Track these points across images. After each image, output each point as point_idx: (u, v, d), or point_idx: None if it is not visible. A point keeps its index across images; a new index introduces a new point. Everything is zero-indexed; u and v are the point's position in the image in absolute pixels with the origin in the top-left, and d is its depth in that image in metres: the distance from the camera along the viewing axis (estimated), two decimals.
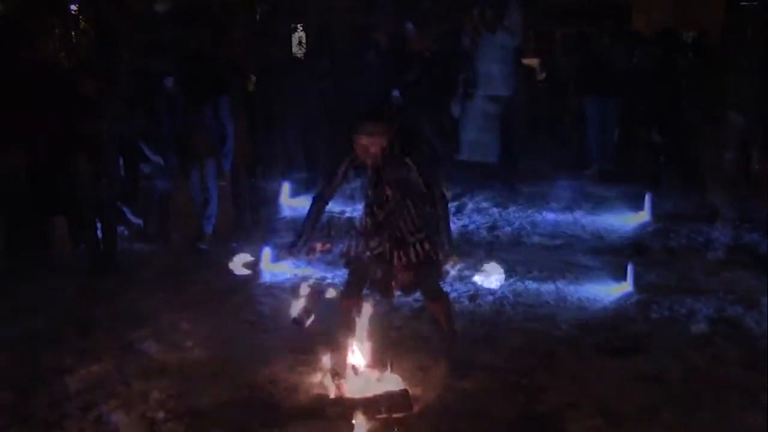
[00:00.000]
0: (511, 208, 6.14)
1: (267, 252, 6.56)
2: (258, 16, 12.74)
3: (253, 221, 7.79)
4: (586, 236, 5.57)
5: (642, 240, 5.40)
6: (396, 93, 7.08)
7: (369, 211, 4.20)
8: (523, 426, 3.91)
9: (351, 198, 6.39)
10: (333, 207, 6.29)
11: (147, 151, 7.33)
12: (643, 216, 5.77)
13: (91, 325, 5.20)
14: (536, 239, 5.50)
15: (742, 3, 13.70)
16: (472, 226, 5.65)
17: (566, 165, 7.26)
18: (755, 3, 11.90)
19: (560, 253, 5.17)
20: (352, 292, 4.35)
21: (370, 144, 3.99)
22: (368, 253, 4.20)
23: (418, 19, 13.17)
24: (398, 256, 4.16)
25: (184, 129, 6.81)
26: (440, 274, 4.51)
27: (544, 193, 6.52)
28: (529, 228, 5.72)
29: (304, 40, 15.56)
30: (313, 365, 4.45)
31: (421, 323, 5.02)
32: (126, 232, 7.25)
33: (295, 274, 6.29)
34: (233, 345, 4.87)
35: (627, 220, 5.80)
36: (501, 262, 4.87)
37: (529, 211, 6.09)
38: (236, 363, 4.59)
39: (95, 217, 6.36)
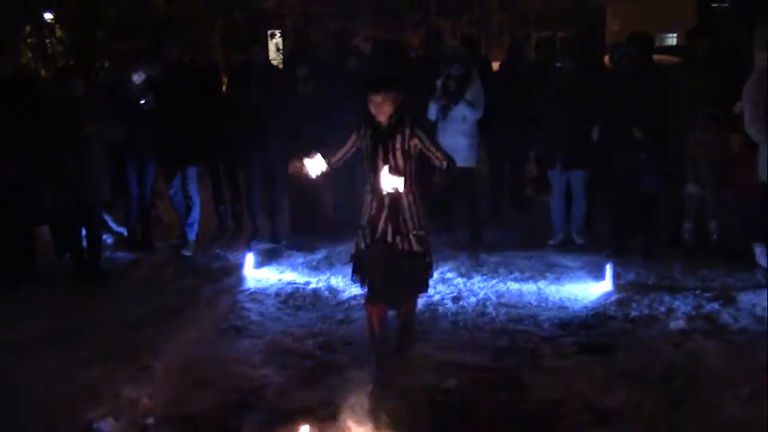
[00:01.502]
0: (476, 278, 6.19)
1: (250, 257, 6.60)
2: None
3: (236, 227, 7.83)
4: (550, 306, 5.63)
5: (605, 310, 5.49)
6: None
7: (376, 189, 4.52)
8: (509, 425, 3.98)
9: (316, 268, 6.50)
10: (298, 278, 6.33)
11: (111, 223, 7.38)
12: (607, 286, 5.87)
13: (76, 334, 5.21)
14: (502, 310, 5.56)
15: (713, 5, 13.96)
16: (436, 297, 5.71)
17: (530, 235, 7.33)
18: (726, 5, 12.12)
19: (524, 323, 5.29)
20: (376, 299, 4.68)
21: (384, 101, 4.48)
22: (370, 240, 4.58)
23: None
24: (400, 241, 4.54)
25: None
26: (422, 280, 4.76)
27: (508, 263, 6.58)
28: (494, 298, 5.77)
29: (281, 46, 15.62)
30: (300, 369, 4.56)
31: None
32: (109, 241, 7.25)
33: (279, 280, 6.34)
34: (220, 351, 4.90)
35: (590, 290, 5.89)
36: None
37: (494, 281, 6.13)
38: (224, 369, 4.63)
39: (80, 226, 6.36)
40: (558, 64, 6.86)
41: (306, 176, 4.72)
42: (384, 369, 4.55)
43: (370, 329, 4.77)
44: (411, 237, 4.58)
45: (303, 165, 4.66)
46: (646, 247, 6.63)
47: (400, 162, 4.52)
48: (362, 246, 4.66)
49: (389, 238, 4.56)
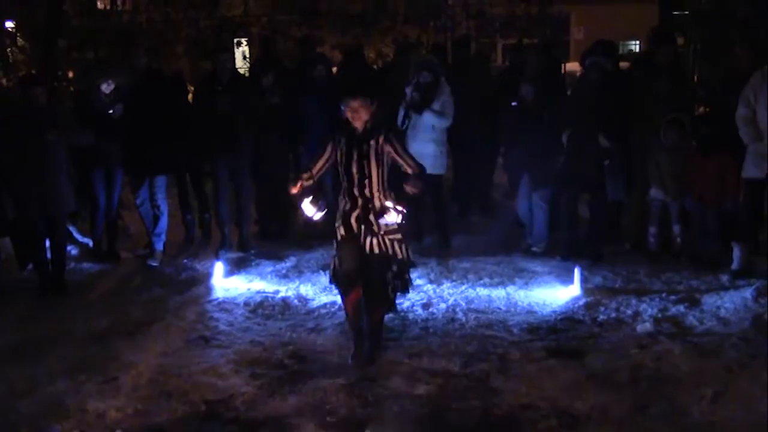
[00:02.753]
0: (445, 284, 6.20)
1: (219, 266, 6.55)
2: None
3: (203, 236, 7.77)
4: (519, 311, 5.66)
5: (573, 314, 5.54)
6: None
7: (349, 193, 4.68)
8: (480, 430, 4.00)
9: (285, 276, 6.49)
10: (267, 287, 6.30)
11: (75, 234, 7.29)
12: (574, 290, 5.93)
13: (41, 347, 5.13)
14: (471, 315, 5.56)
15: (675, 13, 14.18)
16: (406, 304, 5.70)
17: (498, 240, 7.35)
18: (686, 13, 12.34)
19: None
20: (350, 286, 4.75)
21: (361, 107, 4.58)
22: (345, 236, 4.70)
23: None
24: (370, 242, 4.65)
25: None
26: (395, 282, 4.84)
27: (477, 268, 6.61)
28: (463, 304, 5.78)
29: (247, 55, 15.54)
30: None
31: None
32: (74, 252, 7.14)
33: (248, 289, 6.29)
34: (189, 362, 4.85)
35: (558, 295, 5.94)
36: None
37: (463, 287, 6.15)
38: (193, 379, 4.58)
39: (44, 237, 6.26)
40: (514, 103, 6.92)
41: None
42: (362, 355, 4.72)
43: (347, 318, 4.91)
44: (381, 238, 4.66)
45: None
46: (597, 251, 6.70)
47: (374, 168, 4.63)
48: (338, 238, 4.76)
49: (362, 239, 4.66)
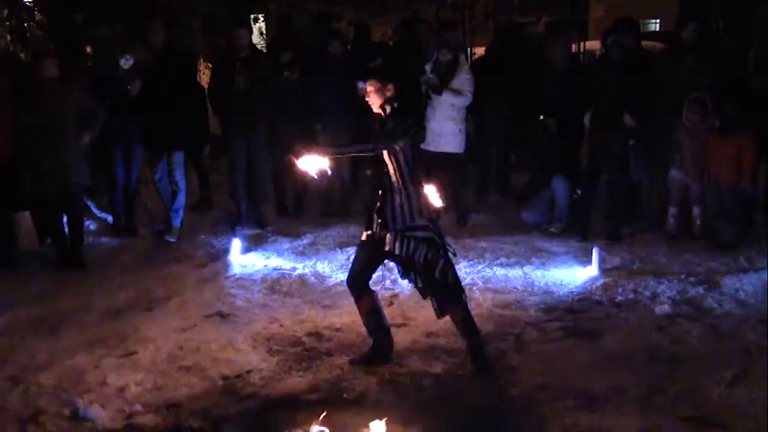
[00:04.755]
0: (462, 263, 6.13)
1: (237, 242, 6.57)
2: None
3: (220, 211, 7.79)
4: (536, 291, 5.61)
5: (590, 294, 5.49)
6: (361, 84, 7.06)
7: (374, 184, 4.44)
8: (497, 409, 4.00)
9: (302, 254, 6.47)
10: (284, 264, 6.29)
11: (94, 209, 7.30)
12: (592, 270, 5.88)
13: (60, 321, 5.17)
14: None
15: None
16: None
17: (516, 220, 7.28)
18: None
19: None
20: (361, 289, 4.44)
21: (369, 91, 4.34)
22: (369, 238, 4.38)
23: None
24: (384, 238, 4.26)
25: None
26: (445, 282, 4.35)
27: (495, 248, 6.56)
28: (480, 283, 5.75)
29: (264, 31, 15.47)
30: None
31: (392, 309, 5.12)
32: (93, 227, 7.18)
33: (265, 265, 6.31)
34: (206, 337, 4.88)
35: (576, 275, 5.89)
36: None
37: (480, 267, 6.10)
38: (209, 355, 4.62)
39: (61, 212, 6.29)
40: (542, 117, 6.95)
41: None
42: (377, 355, 4.45)
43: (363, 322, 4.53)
44: (399, 235, 4.23)
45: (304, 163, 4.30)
46: (615, 232, 6.66)
47: (389, 155, 4.23)
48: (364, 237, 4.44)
49: (377, 236, 4.31)
